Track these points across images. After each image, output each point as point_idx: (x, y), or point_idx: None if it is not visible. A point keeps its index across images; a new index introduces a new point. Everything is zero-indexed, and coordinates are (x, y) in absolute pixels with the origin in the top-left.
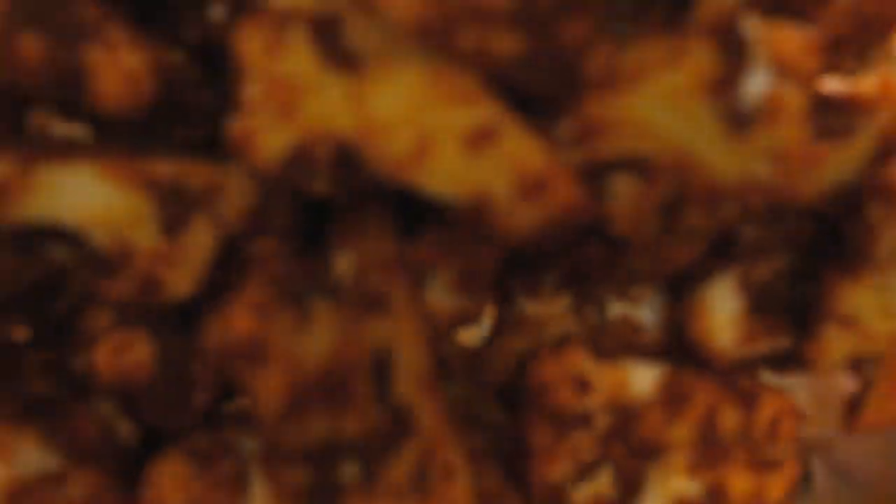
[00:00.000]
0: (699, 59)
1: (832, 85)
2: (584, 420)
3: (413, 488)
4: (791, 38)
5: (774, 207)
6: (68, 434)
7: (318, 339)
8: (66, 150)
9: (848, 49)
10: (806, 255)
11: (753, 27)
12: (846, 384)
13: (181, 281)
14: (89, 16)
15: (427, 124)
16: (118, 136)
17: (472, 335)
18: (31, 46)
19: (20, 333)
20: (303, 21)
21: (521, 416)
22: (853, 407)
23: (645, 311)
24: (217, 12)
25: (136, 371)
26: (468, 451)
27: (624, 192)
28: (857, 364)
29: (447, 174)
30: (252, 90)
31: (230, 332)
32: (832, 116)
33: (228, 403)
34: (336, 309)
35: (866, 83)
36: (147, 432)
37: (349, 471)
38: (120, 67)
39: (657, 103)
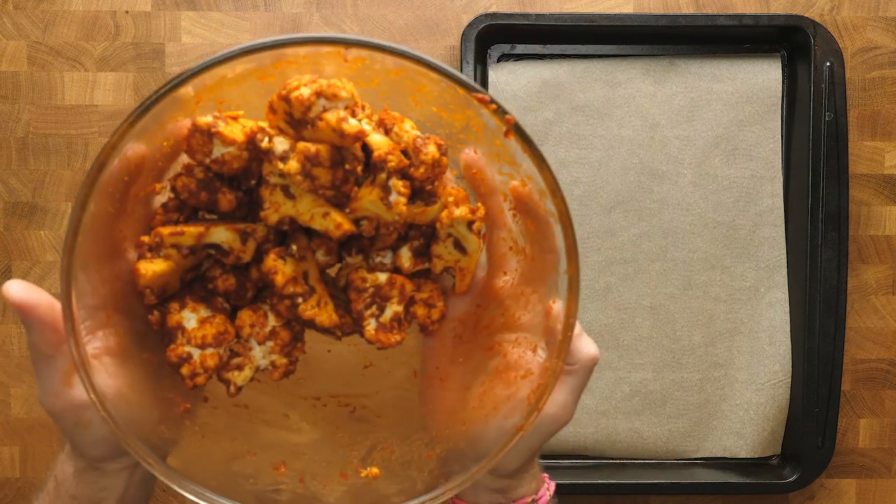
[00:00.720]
0: (375, 191)
1: (430, 187)
2: (366, 290)
3: (316, 306)
4: (401, 184)
5: (415, 225)
6: (214, 307)
7: (289, 267)
8: (214, 222)
9: (427, 183)
10: (427, 239)
11: (391, 180)
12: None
13: (247, 256)
14: (216, 188)
15: (314, 212)
16: (226, 217)
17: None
18: (205, 196)
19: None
20: (279, 190)
21: (347, 291)
22: (452, 287)
23: (386, 258)
24: (253, 182)
25: (229, 287)
26: (333, 302)
27: (365, 223)
28: (449, 270)
29: (320, 224)
30: (267, 203)
31: (277, 267)
32: (428, 198)
33: (260, 295)
34: (294, 259)
35: (439, 187)
36: (233, 307)
37: (301, 300)
38: (227, 199)
39: (369, 203)
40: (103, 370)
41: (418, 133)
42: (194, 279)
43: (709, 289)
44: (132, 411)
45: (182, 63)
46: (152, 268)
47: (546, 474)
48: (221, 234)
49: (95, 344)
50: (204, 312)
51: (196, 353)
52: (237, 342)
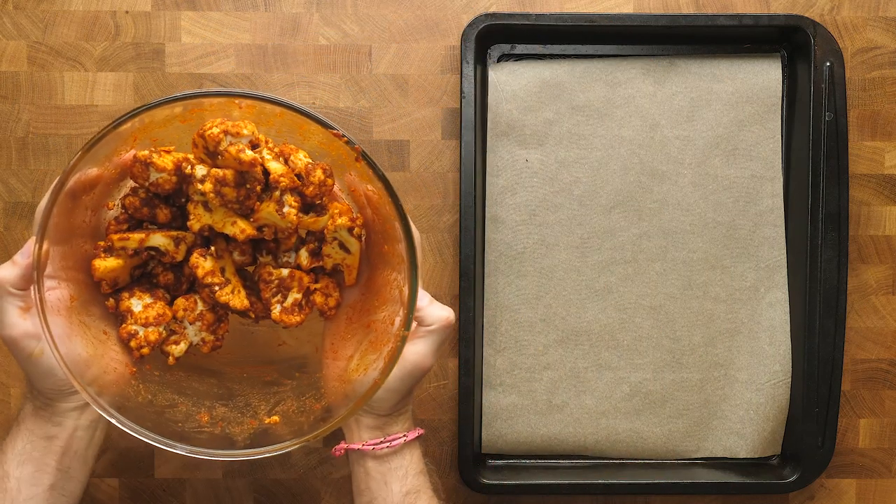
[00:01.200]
0: (272, 204)
1: (322, 200)
2: (273, 282)
3: (231, 293)
4: (292, 199)
5: (312, 232)
6: (156, 296)
7: (208, 263)
8: (153, 230)
9: (316, 199)
10: (321, 242)
11: (284, 196)
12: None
13: (180, 256)
14: (154, 205)
15: (225, 221)
16: (163, 227)
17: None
18: (147, 211)
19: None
20: (200, 205)
21: (258, 283)
22: (344, 279)
23: (291, 257)
24: (184, 200)
25: (168, 281)
26: (246, 291)
27: (266, 230)
28: (339, 267)
29: (230, 229)
30: (191, 215)
31: (199, 262)
32: (320, 210)
33: (193, 287)
34: (213, 257)
35: (328, 202)
36: (172, 297)
37: (218, 288)
38: (164, 213)
39: (267, 213)
40: (59, 320)
41: (309, 160)
42: (142, 275)
43: (709, 289)
44: (90, 368)
45: (182, 63)
46: (104, 264)
47: (418, 426)
48: (158, 240)
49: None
50: (148, 300)
51: (141, 330)
52: (175, 323)
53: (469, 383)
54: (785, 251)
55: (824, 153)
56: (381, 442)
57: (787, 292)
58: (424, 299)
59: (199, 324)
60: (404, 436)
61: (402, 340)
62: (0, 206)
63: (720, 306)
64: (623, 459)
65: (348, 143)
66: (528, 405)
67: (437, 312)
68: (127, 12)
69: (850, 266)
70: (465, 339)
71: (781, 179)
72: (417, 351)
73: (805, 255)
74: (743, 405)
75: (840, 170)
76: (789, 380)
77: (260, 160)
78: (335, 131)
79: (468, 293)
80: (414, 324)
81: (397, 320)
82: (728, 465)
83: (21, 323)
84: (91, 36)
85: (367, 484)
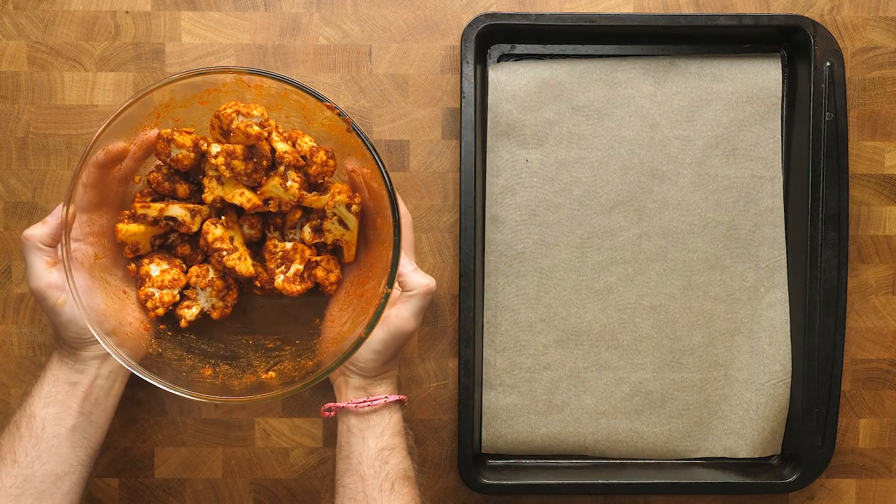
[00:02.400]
0: (277, 179)
1: (324, 180)
2: (277, 254)
3: (237, 259)
4: (295, 175)
5: (315, 210)
6: (173, 264)
7: (218, 230)
8: (172, 201)
9: (319, 178)
10: (323, 220)
11: (289, 172)
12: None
13: (195, 227)
14: (175, 181)
15: (234, 192)
16: (182, 200)
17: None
18: (168, 185)
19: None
20: (214, 179)
21: (264, 253)
22: (344, 256)
23: (296, 234)
24: (201, 177)
25: (185, 251)
26: (252, 259)
27: (272, 202)
28: (338, 243)
29: (238, 200)
30: (206, 189)
31: (209, 229)
32: (321, 188)
33: (205, 256)
34: (223, 226)
35: (329, 182)
36: (188, 265)
37: (226, 254)
38: (183, 188)
39: (273, 187)
40: (83, 274)
41: (314, 144)
42: (161, 245)
43: (709, 289)
44: (108, 319)
45: (182, 63)
46: (127, 228)
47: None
48: (176, 210)
49: (82, 272)
50: (165, 266)
51: (157, 292)
52: (188, 289)
53: (469, 383)
54: (785, 251)
55: (824, 153)
56: (364, 401)
57: (787, 292)
58: (409, 267)
59: (209, 290)
60: (385, 397)
61: (385, 297)
62: (0, 206)
63: (720, 306)
64: (623, 459)
65: (339, 114)
66: (528, 405)
67: (418, 279)
68: (127, 12)
69: (850, 266)
70: (465, 339)
71: (781, 179)
72: (400, 314)
73: (805, 255)
74: (743, 405)
75: (840, 170)
76: (789, 380)
77: (266, 136)
78: (328, 103)
79: (468, 293)
80: (398, 290)
81: (383, 284)
82: (728, 465)
83: (47, 275)
84: (91, 36)
85: (347, 439)
